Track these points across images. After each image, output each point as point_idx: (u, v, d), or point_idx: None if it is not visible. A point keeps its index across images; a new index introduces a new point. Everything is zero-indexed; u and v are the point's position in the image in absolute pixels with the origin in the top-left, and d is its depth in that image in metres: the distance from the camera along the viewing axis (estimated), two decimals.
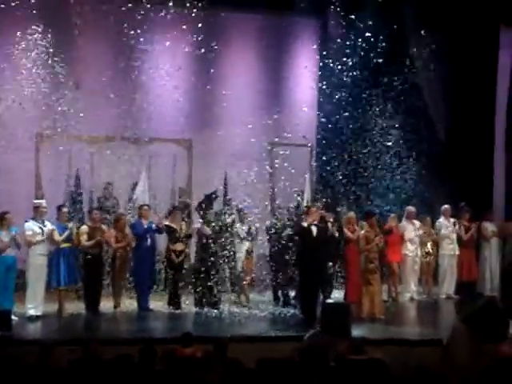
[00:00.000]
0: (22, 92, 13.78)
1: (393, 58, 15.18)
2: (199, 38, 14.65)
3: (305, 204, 14.33)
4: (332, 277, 12.98)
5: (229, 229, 13.14)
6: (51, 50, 14.01)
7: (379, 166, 15.57)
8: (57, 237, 11.80)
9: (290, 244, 12.76)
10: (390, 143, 15.51)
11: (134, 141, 14.89)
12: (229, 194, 14.53)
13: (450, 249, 14.17)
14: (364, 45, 14.95)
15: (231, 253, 13.21)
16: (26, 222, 11.73)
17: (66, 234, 11.89)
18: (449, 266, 14.16)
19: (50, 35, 13.99)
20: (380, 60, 15.17)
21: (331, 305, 11.32)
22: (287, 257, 12.84)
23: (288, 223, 13.16)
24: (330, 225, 12.73)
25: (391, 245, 13.50)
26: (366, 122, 15.42)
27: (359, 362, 7.33)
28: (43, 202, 12.19)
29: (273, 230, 13.30)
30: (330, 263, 12.38)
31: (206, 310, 12.42)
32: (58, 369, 6.89)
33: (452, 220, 14.18)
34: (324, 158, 16.02)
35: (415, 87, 15.48)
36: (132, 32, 14.54)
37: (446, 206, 14.27)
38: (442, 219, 14.22)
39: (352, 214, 13.23)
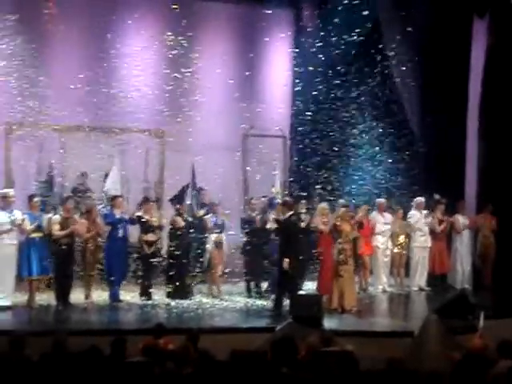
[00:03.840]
0: None
1: (366, 49, 15.19)
2: (172, 28, 14.58)
3: (275, 195, 14.33)
4: (304, 269, 12.95)
5: (201, 221, 13.11)
6: (22, 38, 13.85)
7: (352, 158, 15.58)
8: (27, 226, 11.67)
9: (264, 236, 12.76)
10: (363, 135, 15.53)
11: (106, 130, 14.80)
12: (197, 185, 14.43)
13: (422, 241, 14.21)
14: (337, 36, 14.92)
15: (202, 244, 13.18)
16: None
17: (36, 223, 11.76)
18: (421, 258, 14.21)
19: (21, 23, 13.84)
20: (353, 51, 15.18)
21: (303, 296, 11.33)
22: (260, 249, 12.82)
23: (261, 215, 13.13)
24: (302, 216, 12.72)
25: (362, 237, 13.51)
26: (340, 113, 15.41)
27: (329, 353, 7.32)
28: (10, 191, 12.02)
29: (246, 222, 13.27)
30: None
31: (177, 301, 12.38)
32: (28, 361, 6.82)
33: (424, 212, 14.22)
34: (297, 148, 16.03)
35: (388, 78, 15.49)
36: (104, 20, 14.46)
37: (418, 198, 14.30)
38: (414, 211, 14.26)
39: (324, 205, 13.21)
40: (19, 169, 14.27)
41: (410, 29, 14.85)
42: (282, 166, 16.07)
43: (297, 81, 16.12)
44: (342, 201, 13.57)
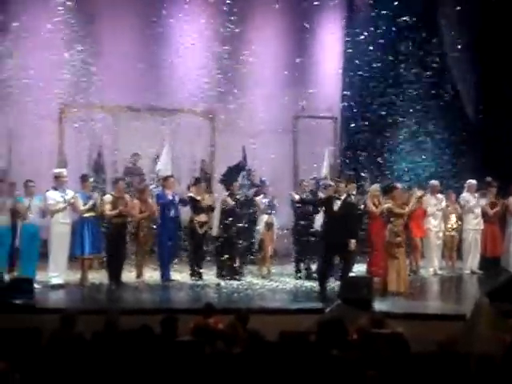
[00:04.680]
0: (46, 62, 13.78)
1: (420, 30, 14.98)
2: (224, 8, 14.56)
3: (323, 176, 14.26)
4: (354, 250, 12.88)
5: (252, 201, 13.12)
6: (75, 21, 13.98)
7: (404, 139, 15.43)
8: (80, 206, 11.82)
9: (314, 217, 12.71)
10: (414, 116, 15.37)
11: (158, 111, 14.88)
12: (249, 166, 14.42)
13: (475, 223, 14.02)
14: (390, 17, 14.75)
15: (252, 225, 13.20)
16: (48, 191, 11.75)
17: (90, 203, 11.89)
18: (473, 241, 14.03)
19: (73, 6, 13.97)
20: (406, 33, 14.98)
21: (354, 278, 11.29)
22: (310, 230, 12.78)
23: (311, 196, 13.09)
24: (353, 198, 12.64)
25: (414, 219, 13.38)
26: (392, 94, 15.25)
27: (380, 335, 7.29)
28: (64, 170, 12.18)
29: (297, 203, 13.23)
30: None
31: (227, 281, 12.43)
32: (80, 339, 6.92)
33: (476, 195, 14.03)
34: (348, 130, 15.92)
35: (442, 60, 15.26)
36: (158, 2, 14.51)
37: (471, 180, 14.10)
38: (466, 194, 14.06)
39: (376, 187, 13.10)
40: (72, 149, 14.43)
41: (466, 8, 14.59)
42: (333, 148, 15.98)
43: (348, 63, 15.99)
44: (399, 184, 13.35)
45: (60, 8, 13.97)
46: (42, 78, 13.76)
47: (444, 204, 13.91)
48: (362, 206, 12.83)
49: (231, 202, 12.79)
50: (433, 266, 13.86)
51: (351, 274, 11.92)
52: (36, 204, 11.61)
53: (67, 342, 6.75)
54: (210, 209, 12.89)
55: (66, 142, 14.52)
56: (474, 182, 14.06)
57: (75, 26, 14.01)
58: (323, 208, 11.89)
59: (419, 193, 13.34)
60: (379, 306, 10.29)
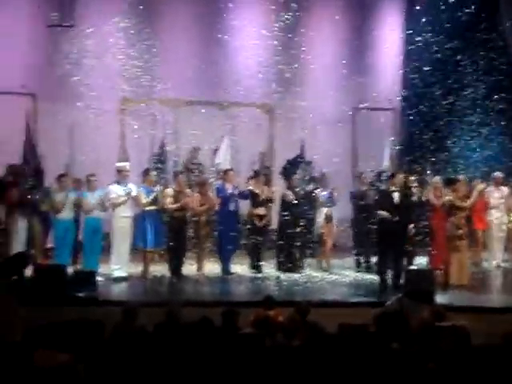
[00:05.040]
0: (107, 56, 13.97)
1: (480, 20, 14.73)
2: (283, 1, 14.54)
3: (384, 168, 14.14)
4: (415, 242, 12.77)
5: (311, 194, 13.09)
6: (135, 16, 14.15)
7: (466, 130, 15.21)
8: (143, 199, 11.96)
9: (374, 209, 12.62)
10: (476, 108, 15.13)
11: (217, 105, 14.95)
12: (307, 159, 14.37)
13: None
14: (450, 7, 14.54)
15: (312, 218, 13.17)
16: (110, 185, 11.92)
17: (152, 196, 12.02)
18: None
19: (134, 2, 14.13)
20: (466, 23, 14.74)
21: (415, 271, 11.21)
22: (370, 222, 12.69)
23: (372, 188, 13.01)
24: (413, 190, 12.52)
25: (476, 211, 13.21)
26: (454, 84, 15.04)
27: (442, 328, 7.21)
28: (126, 164, 12.37)
29: (356, 196, 13.17)
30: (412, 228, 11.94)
31: (287, 274, 12.44)
32: (142, 331, 7.01)
33: None
34: (408, 121, 15.75)
35: (504, 50, 14.99)
36: None
37: None
38: None
39: (437, 179, 12.96)
40: (133, 143, 14.60)
41: None
42: (393, 139, 15.83)
43: (408, 54, 15.82)
44: (461, 176, 13.15)
45: (122, 5, 14.15)
46: (103, 73, 13.95)
47: (506, 196, 13.68)
48: (424, 198, 12.70)
49: (290, 196, 12.79)
50: (495, 259, 13.66)
51: (412, 267, 11.85)
52: (98, 198, 11.80)
53: (129, 334, 6.84)
54: (269, 201, 12.92)
55: (127, 136, 14.68)
56: None
57: (137, 22, 14.16)
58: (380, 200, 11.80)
59: (481, 186, 13.10)
60: (441, 299, 10.20)
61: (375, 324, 7.02)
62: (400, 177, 11.86)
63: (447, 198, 11.96)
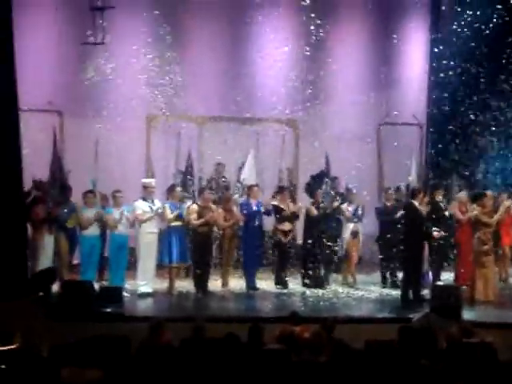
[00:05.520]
0: (132, 73, 14.07)
1: (507, 32, 14.64)
2: (307, 16, 14.57)
3: (411, 185, 14.10)
4: (442, 258, 12.69)
5: (338, 209, 13.06)
6: (161, 33, 14.24)
7: (491, 146, 15.12)
8: (168, 215, 11.99)
9: (400, 225, 12.56)
10: (503, 123, 15.03)
11: (242, 120, 14.99)
12: (333, 175, 14.33)
13: None
14: (478, 18, 14.48)
15: (338, 233, 13.14)
16: (136, 201, 11.98)
17: (176, 212, 12.05)
18: None
19: (160, 18, 14.23)
20: (493, 36, 14.67)
21: (442, 287, 11.15)
22: (396, 238, 12.63)
23: (397, 204, 12.96)
24: (440, 205, 12.50)
25: (503, 227, 13.10)
26: (480, 99, 14.95)
27: (469, 345, 7.16)
28: (152, 181, 12.44)
29: (382, 211, 13.12)
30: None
31: (312, 290, 12.41)
32: (169, 347, 7.02)
33: None
34: (434, 137, 15.67)
35: None
36: (242, 11, 14.67)
37: None
38: None
39: (463, 194, 12.89)
40: (159, 159, 14.66)
41: None
42: (418, 155, 15.78)
43: (434, 68, 15.77)
44: (489, 192, 13.04)
45: (148, 22, 14.28)
46: (129, 88, 14.06)
47: None
48: (447, 213, 12.64)
49: (315, 211, 12.78)
50: None
51: (439, 283, 11.80)
52: (124, 214, 11.85)
53: (156, 349, 6.85)
54: (295, 217, 12.91)
55: (153, 152, 14.76)
56: None
57: (162, 38, 14.25)
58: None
59: (508, 202, 12.99)
60: (468, 315, 10.12)
61: (400, 339, 7.00)
62: (421, 193, 11.86)
63: (473, 213, 11.89)
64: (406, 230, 11.80)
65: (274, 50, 14.97)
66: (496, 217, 11.92)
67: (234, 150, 14.49)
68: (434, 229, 11.89)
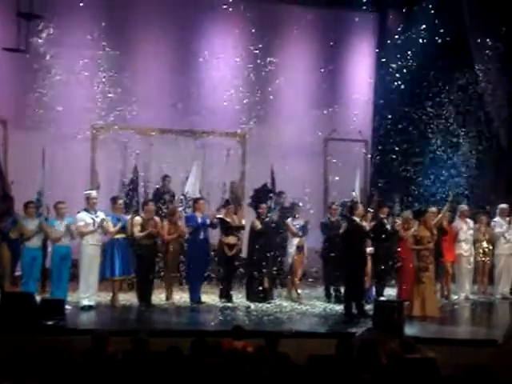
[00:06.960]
0: (78, 84, 13.95)
1: (453, 51, 14.94)
2: (255, 31, 14.67)
3: (355, 200, 14.22)
4: (385, 274, 12.81)
5: (283, 224, 13.08)
6: (108, 45, 14.18)
7: (434, 163, 15.36)
8: (111, 228, 11.88)
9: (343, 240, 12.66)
10: (446, 140, 15.29)
11: (189, 133, 14.98)
12: (278, 189, 14.40)
13: (506, 248, 13.91)
14: (423, 38, 14.76)
15: (283, 248, 13.18)
16: (79, 212, 11.84)
17: (120, 224, 11.95)
18: (505, 266, 13.90)
19: (107, 31, 14.19)
20: (437, 55, 14.95)
21: (384, 302, 11.23)
22: (340, 253, 12.71)
23: (342, 220, 13.05)
24: (385, 221, 12.64)
25: (445, 243, 13.28)
26: (424, 117, 15.20)
27: (411, 360, 7.22)
28: (93, 192, 12.23)
29: (327, 226, 13.20)
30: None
31: (257, 304, 12.40)
32: (111, 359, 6.93)
33: (508, 219, 13.90)
34: (379, 153, 15.87)
35: (474, 82, 15.19)
36: (187, 25, 14.70)
37: (502, 205, 14.00)
38: (497, 218, 13.96)
39: (408, 213, 13.00)
40: (104, 171, 14.55)
41: (500, 33, 14.53)
42: (363, 171, 15.94)
43: (379, 85, 16.00)
44: (433, 209, 13.17)
45: (94, 32, 14.18)
46: (74, 100, 13.94)
47: (474, 228, 13.81)
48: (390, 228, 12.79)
49: (259, 225, 12.79)
50: (464, 291, 13.73)
51: (382, 298, 11.90)
52: (66, 225, 11.69)
53: (100, 361, 6.77)
54: (240, 229, 12.90)
55: (98, 163, 14.63)
56: (505, 206, 13.96)
57: (109, 49, 14.20)
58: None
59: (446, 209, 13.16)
60: (410, 330, 10.21)
61: (338, 354, 7.04)
62: (360, 208, 11.98)
63: (412, 229, 12.07)
64: (347, 245, 11.90)
65: (223, 64, 15.03)
66: (433, 228, 12.09)
67: (181, 163, 14.47)
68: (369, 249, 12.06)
